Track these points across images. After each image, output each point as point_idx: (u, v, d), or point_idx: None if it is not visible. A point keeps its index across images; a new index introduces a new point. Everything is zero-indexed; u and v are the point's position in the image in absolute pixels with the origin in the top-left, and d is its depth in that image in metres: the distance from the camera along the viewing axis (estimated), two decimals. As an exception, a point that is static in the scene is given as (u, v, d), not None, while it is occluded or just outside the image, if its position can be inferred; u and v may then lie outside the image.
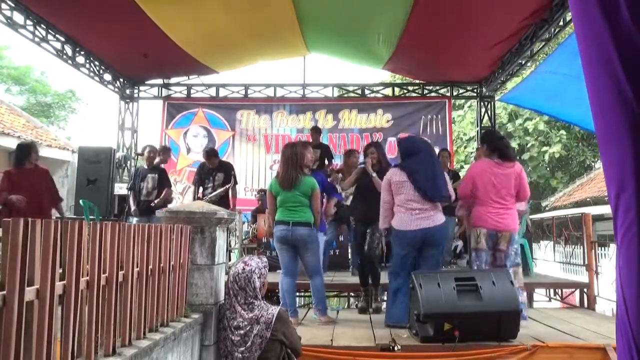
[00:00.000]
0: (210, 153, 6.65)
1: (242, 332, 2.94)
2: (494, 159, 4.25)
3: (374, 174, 4.63)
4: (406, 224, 4.02)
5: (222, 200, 6.09)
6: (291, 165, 4.16)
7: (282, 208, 4.19)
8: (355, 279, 6.03)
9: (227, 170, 6.44)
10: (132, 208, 6.30)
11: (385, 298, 5.07)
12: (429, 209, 4.02)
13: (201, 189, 6.59)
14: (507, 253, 4.20)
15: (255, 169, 9.55)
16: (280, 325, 2.97)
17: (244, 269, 3.06)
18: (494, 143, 4.34)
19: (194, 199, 6.22)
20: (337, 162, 8.03)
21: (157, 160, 6.49)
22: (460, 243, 6.46)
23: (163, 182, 6.43)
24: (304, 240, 4.13)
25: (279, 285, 4.42)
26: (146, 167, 6.48)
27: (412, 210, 4.01)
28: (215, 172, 6.22)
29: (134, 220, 6.31)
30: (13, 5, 6.34)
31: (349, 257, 6.91)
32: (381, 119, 9.45)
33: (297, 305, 4.68)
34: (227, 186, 6.10)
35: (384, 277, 4.60)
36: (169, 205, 5.76)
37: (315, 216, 4.22)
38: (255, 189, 9.43)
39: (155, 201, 6.21)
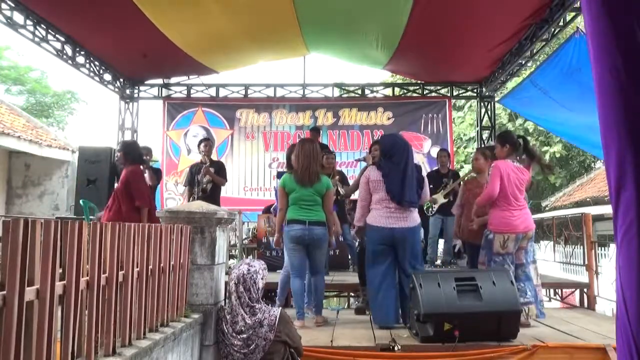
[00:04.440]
0: (204, 139, 6.71)
1: (244, 336, 2.93)
2: (513, 161, 4.20)
3: None
4: (380, 220, 4.03)
5: (215, 200, 6.03)
6: (313, 161, 4.04)
7: (296, 206, 4.03)
8: (356, 279, 6.03)
9: (217, 166, 6.44)
10: None
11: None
12: (404, 210, 4.03)
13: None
14: (526, 249, 4.22)
15: (254, 167, 9.52)
16: (283, 327, 2.98)
17: (249, 270, 3.06)
18: (516, 144, 4.26)
19: (189, 199, 6.20)
20: (337, 160, 8.02)
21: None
22: (459, 242, 6.45)
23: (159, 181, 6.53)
24: (320, 239, 4.04)
25: (280, 283, 4.39)
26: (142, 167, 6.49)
27: (387, 208, 4.03)
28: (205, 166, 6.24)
29: None
30: (13, 5, 6.34)
31: (349, 257, 6.91)
32: (382, 116, 9.44)
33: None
34: (212, 169, 6.09)
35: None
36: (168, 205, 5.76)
37: (328, 217, 4.13)
38: (253, 187, 9.43)
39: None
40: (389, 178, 4.04)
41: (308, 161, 4.03)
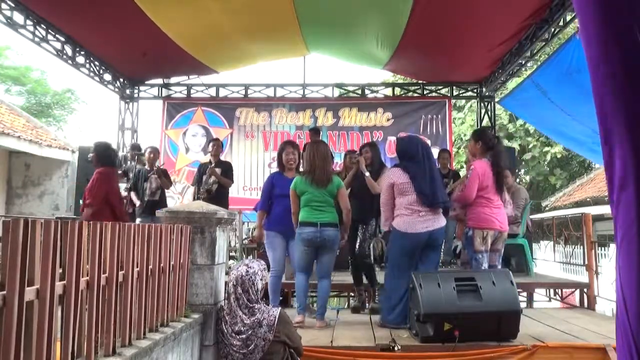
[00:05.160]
0: (214, 139, 6.82)
1: (243, 336, 2.93)
2: (487, 159, 4.19)
3: (367, 173, 4.61)
4: (412, 226, 3.93)
5: (221, 201, 6.07)
6: (327, 163, 4.03)
7: (308, 207, 3.98)
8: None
9: (225, 167, 6.46)
10: (136, 206, 6.34)
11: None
12: (432, 211, 4.00)
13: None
14: (500, 251, 4.23)
15: (253, 166, 9.52)
16: (282, 327, 2.97)
17: (247, 271, 3.05)
18: (490, 142, 4.25)
19: (194, 199, 6.22)
20: (337, 160, 8.02)
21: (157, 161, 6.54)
22: (459, 243, 6.45)
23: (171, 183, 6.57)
24: (331, 241, 3.99)
25: (270, 287, 4.36)
26: (148, 167, 6.50)
27: (418, 212, 3.96)
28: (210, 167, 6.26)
29: (137, 220, 6.32)
30: (13, 5, 6.34)
31: (349, 257, 6.89)
32: (381, 117, 9.44)
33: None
34: (218, 171, 6.11)
35: (380, 278, 4.59)
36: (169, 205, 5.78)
37: (346, 213, 4.09)
38: (253, 187, 9.43)
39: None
40: (417, 180, 3.97)
41: (323, 163, 4.01)
